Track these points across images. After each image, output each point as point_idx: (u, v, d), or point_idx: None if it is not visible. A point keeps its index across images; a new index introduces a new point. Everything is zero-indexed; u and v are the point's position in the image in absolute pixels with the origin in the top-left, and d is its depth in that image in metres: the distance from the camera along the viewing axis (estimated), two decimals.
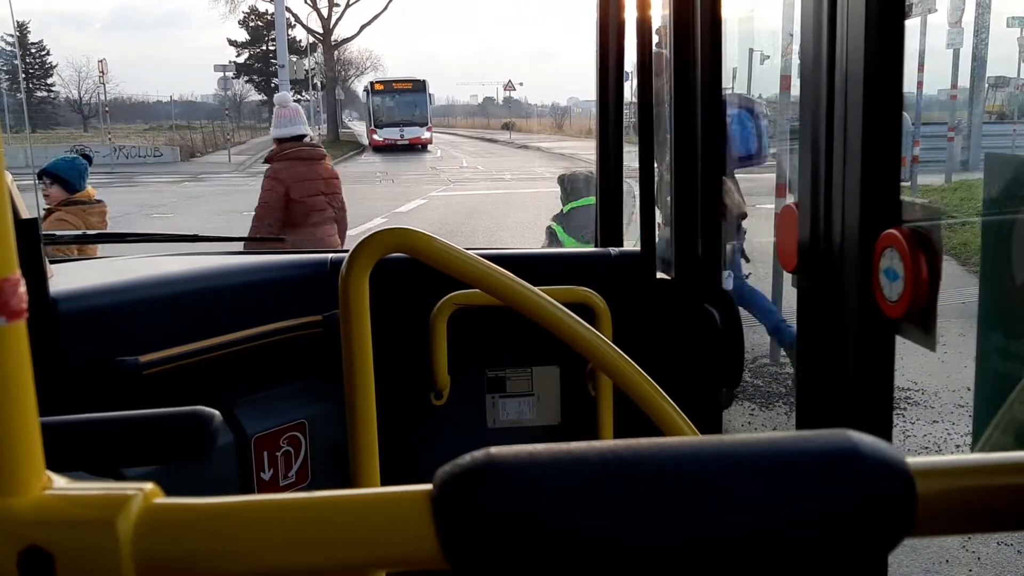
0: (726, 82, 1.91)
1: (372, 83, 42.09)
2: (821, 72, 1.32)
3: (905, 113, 1.77)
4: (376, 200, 18.52)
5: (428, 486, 0.40)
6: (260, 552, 0.39)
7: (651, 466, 0.39)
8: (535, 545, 0.37)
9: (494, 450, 0.39)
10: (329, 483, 1.89)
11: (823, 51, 1.32)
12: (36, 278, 1.44)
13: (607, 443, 0.40)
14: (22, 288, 0.39)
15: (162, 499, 0.40)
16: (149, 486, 0.40)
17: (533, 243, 12.30)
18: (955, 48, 13.75)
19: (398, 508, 0.39)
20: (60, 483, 0.40)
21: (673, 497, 0.38)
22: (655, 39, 2.15)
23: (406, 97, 40.12)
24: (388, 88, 40.76)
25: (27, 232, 1.41)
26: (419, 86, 40.52)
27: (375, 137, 39.20)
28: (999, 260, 1.24)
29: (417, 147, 39.05)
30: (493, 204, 17.14)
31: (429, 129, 40.41)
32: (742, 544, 0.38)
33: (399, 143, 38.79)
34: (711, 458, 0.39)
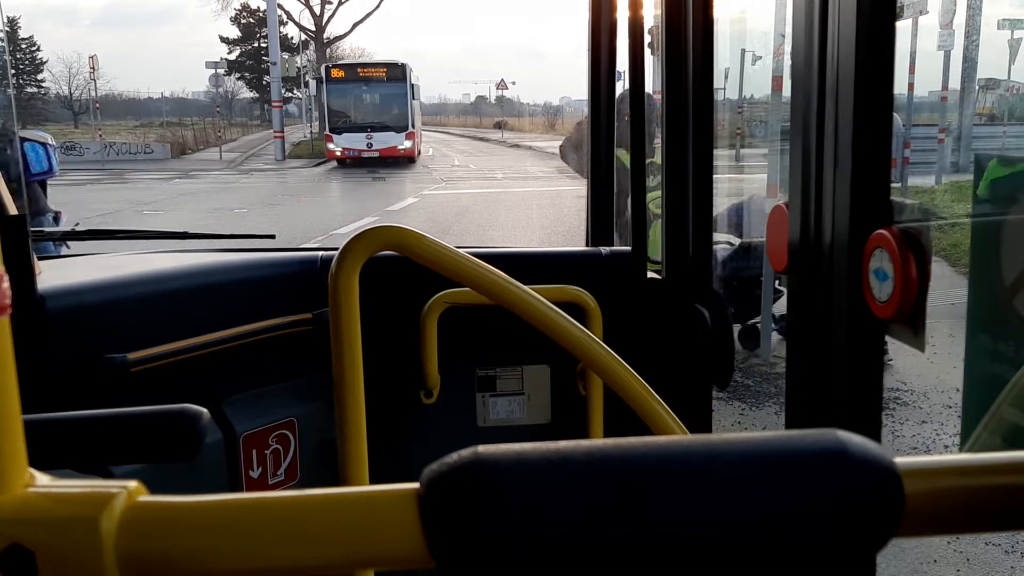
0: (718, 82, 1.91)
1: (327, 67, 28.68)
2: (812, 73, 1.33)
3: (896, 114, 1.79)
4: (367, 199, 18.49)
5: (415, 485, 0.39)
6: (245, 551, 0.38)
7: (640, 465, 0.38)
8: (522, 544, 0.37)
9: (481, 449, 0.39)
10: (318, 481, 1.88)
11: (814, 52, 1.32)
12: (23, 275, 1.43)
13: (595, 442, 0.39)
14: (5, 284, 0.39)
15: (146, 497, 0.39)
16: (133, 484, 0.40)
17: (524, 242, 12.32)
18: (946, 50, 13.81)
19: (385, 507, 0.39)
20: (43, 481, 0.40)
21: (661, 496, 0.38)
22: (647, 39, 2.15)
23: (377, 88, 26.96)
24: (351, 75, 27.28)
25: (14, 228, 1.40)
26: (395, 72, 26.91)
27: (331, 147, 26.41)
28: (989, 261, 1.24)
29: (399, 161, 26.62)
30: (484, 203, 17.13)
31: (411, 136, 26.67)
32: (730, 543, 0.38)
33: (366, 155, 25.89)
34: (700, 457, 0.39)
